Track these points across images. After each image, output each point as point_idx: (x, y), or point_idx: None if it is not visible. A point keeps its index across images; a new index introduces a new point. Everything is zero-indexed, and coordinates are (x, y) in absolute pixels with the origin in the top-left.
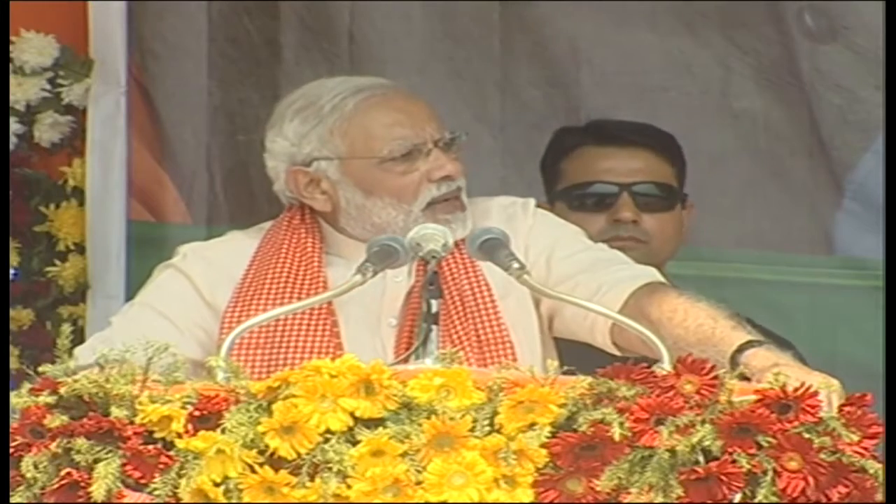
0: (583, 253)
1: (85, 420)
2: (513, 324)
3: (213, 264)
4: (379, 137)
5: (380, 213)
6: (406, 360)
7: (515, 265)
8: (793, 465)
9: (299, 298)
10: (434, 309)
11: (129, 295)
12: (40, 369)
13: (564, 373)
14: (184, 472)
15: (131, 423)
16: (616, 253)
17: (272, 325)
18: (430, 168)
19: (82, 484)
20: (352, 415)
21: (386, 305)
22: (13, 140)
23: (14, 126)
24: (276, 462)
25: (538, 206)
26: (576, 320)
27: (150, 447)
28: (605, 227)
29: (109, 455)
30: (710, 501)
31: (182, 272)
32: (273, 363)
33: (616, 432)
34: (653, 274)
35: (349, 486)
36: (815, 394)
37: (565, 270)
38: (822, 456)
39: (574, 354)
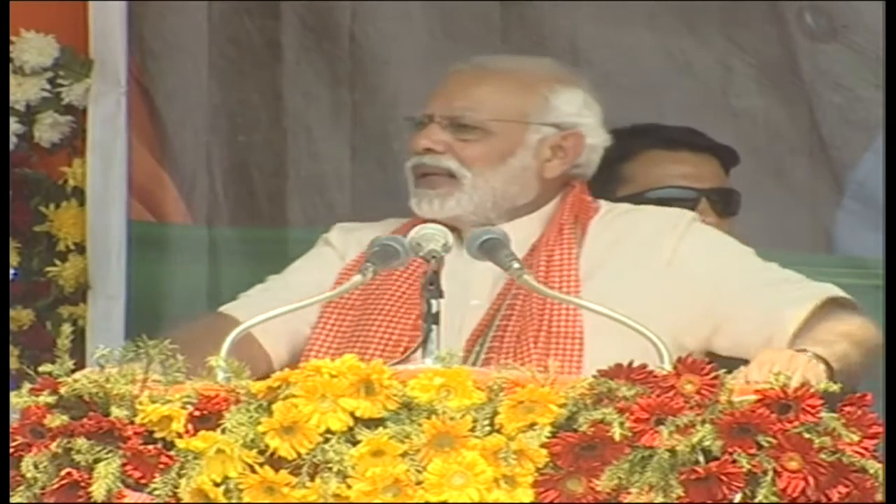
0: (757, 271)
1: (85, 420)
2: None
3: (353, 233)
4: None
5: None
6: (406, 360)
7: (515, 265)
8: (793, 465)
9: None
10: (434, 309)
11: (130, 295)
12: (40, 369)
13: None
14: (184, 472)
15: (131, 423)
16: (789, 272)
17: (360, 302)
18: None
19: (82, 484)
20: (352, 415)
21: (474, 286)
22: (13, 140)
23: (14, 126)
24: (276, 462)
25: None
26: (748, 335)
27: (150, 447)
28: None
29: (109, 455)
30: (710, 501)
31: (325, 240)
32: (358, 338)
33: (616, 432)
34: (831, 289)
35: (349, 486)
36: (816, 394)
37: (737, 285)
38: (822, 456)
39: None
